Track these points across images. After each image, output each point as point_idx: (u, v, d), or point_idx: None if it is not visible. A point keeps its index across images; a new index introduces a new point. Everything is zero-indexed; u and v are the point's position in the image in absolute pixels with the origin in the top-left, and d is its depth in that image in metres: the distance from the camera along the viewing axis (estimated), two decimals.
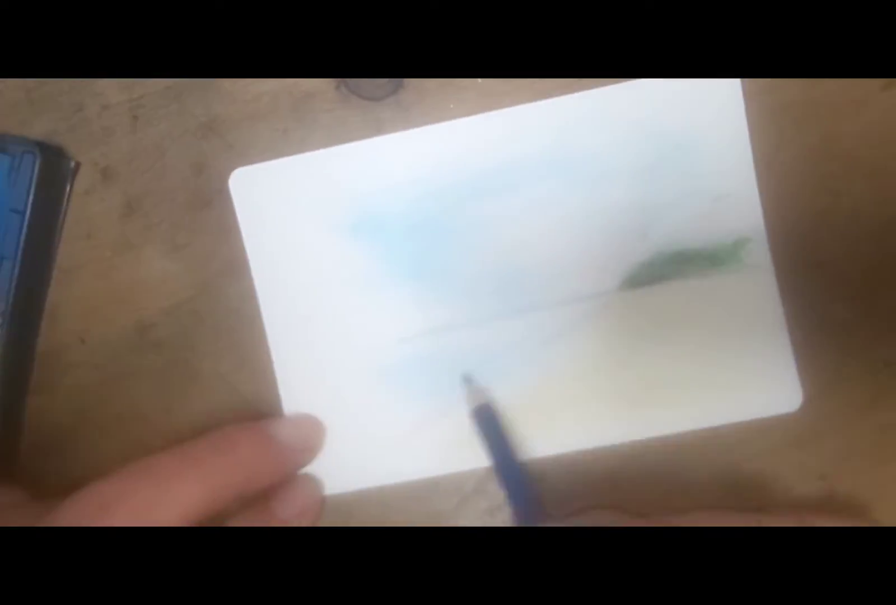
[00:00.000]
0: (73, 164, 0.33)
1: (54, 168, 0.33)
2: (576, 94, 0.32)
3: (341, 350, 0.33)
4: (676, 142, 0.32)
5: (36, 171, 0.32)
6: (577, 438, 0.32)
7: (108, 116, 0.33)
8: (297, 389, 0.33)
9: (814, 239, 0.32)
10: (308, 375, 0.33)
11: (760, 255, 0.32)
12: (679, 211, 0.32)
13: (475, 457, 0.32)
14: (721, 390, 0.32)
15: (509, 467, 0.32)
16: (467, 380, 0.32)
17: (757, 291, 0.32)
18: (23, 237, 0.32)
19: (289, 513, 0.31)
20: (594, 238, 0.32)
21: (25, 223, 0.32)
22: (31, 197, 0.32)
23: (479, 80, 0.32)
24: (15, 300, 0.32)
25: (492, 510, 0.33)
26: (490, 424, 0.32)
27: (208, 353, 0.34)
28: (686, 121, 0.32)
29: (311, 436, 0.32)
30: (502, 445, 0.32)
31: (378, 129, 0.33)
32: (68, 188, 0.34)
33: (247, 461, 0.30)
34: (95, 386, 0.34)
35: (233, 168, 0.33)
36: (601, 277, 0.32)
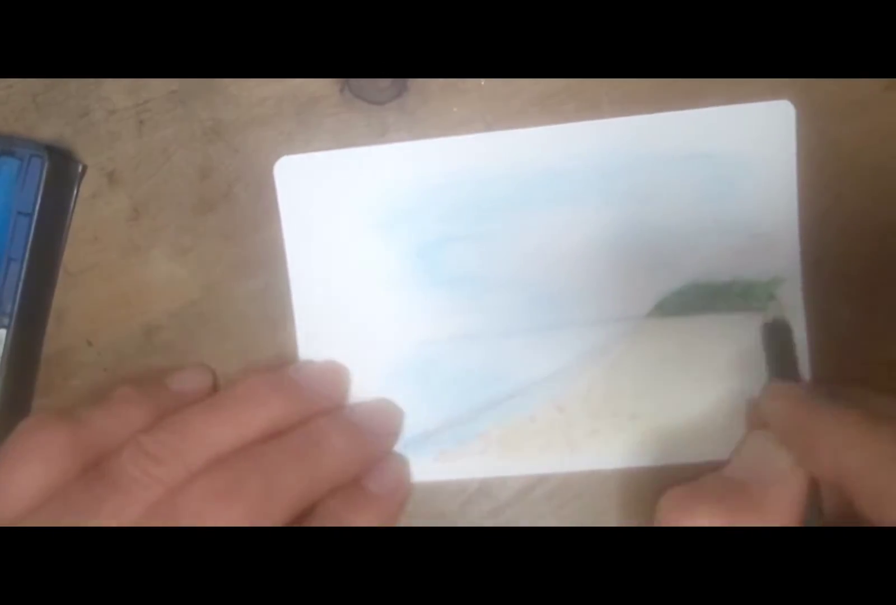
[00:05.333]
0: (80, 167, 0.34)
1: (62, 171, 0.33)
2: (628, 118, 0.32)
3: (365, 345, 0.33)
4: (722, 173, 0.32)
5: (44, 174, 0.32)
6: (592, 458, 0.32)
7: (115, 121, 0.34)
8: None
9: (814, 238, 0.32)
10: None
11: (793, 296, 0.32)
12: (717, 242, 0.32)
13: (481, 466, 0.33)
14: (737, 426, 0.31)
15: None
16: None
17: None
18: (30, 240, 0.32)
19: (384, 489, 0.31)
20: (629, 262, 0.32)
21: (33, 226, 0.32)
22: (38, 200, 0.32)
23: (483, 82, 0.33)
24: (22, 302, 0.33)
25: (495, 512, 0.33)
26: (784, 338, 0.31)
27: (214, 355, 0.34)
28: (734, 150, 0.32)
29: (391, 419, 0.32)
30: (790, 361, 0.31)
31: (382, 132, 0.33)
32: (76, 191, 0.34)
33: (341, 452, 0.30)
34: (103, 388, 0.34)
35: (238, 172, 0.33)
36: (632, 302, 0.32)
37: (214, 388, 0.33)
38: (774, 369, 0.31)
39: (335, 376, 0.33)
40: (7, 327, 0.32)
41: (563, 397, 0.32)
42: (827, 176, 0.32)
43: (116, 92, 0.34)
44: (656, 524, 0.28)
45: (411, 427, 0.33)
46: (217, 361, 0.34)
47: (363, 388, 0.33)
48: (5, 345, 0.32)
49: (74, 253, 0.34)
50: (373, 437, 0.32)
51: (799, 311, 0.32)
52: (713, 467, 0.29)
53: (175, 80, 0.33)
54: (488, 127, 0.33)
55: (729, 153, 0.32)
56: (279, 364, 0.33)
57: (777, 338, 0.31)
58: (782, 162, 0.32)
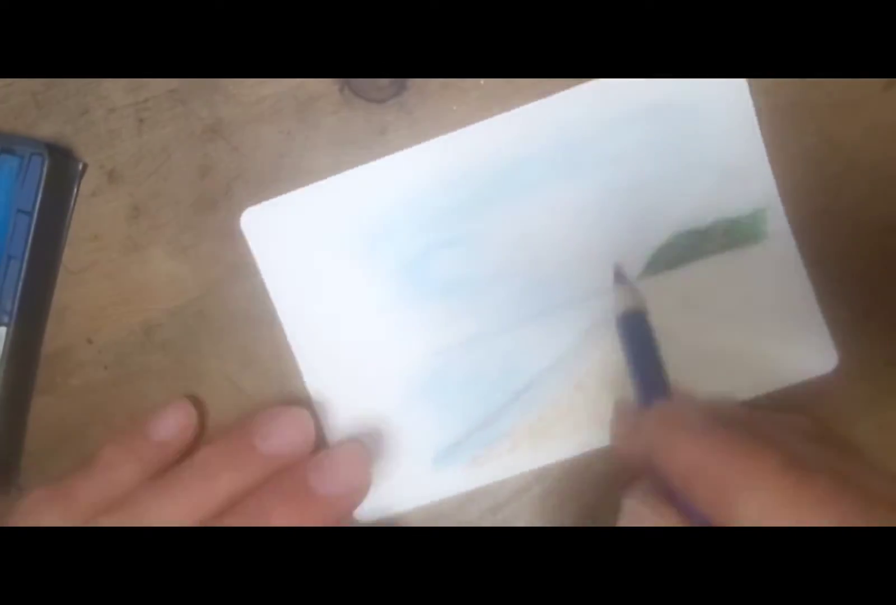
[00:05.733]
0: (80, 165, 0.34)
1: (62, 169, 0.33)
2: (574, 89, 0.32)
3: (371, 371, 0.33)
4: (681, 121, 0.32)
5: (44, 172, 0.32)
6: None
7: (115, 119, 0.34)
8: (336, 416, 0.33)
9: (812, 238, 0.32)
10: (343, 399, 0.33)
11: (779, 223, 0.32)
12: (690, 188, 0.32)
13: (515, 463, 0.33)
14: (755, 360, 0.32)
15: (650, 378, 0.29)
16: (619, 279, 0.31)
17: (780, 259, 0.32)
18: (30, 238, 0.33)
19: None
20: (611, 229, 0.32)
21: (33, 224, 0.33)
22: (38, 198, 0.33)
23: (482, 81, 0.33)
24: (22, 300, 0.33)
25: (494, 509, 0.33)
26: (638, 331, 0.29)
27: (214, 353, 0.34)
28: (692, 105, 0.32)
29: (357, 475, 0.29)
30: (647, 353, 0.29)
31: (381, 131, 0.33)
32: (76, 190, 0.34)
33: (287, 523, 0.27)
34: (102, 386, 0.34)
35: (238, 170, 0.33)
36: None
37: (200, 417, 0.33)
38: (636, 367, 0.29)
39: (305, 444, 0.30)
40: (7, 325, 0.32)
41: (579, 376, 0.32)
42: (826, 175, 0.32)
43: (116, 91, 0.34)
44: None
45: (437, 442, 0.33)
46: (216, 358, 0.34)
47: (379, 412, 0.33)
48: (5, 342, 0.32)
49: (74, 251, 0.34)
50: (334, 501, 0.28)
51: (788, 236, 0.32)
52: None
53: (175, 79, 0.33)
54: None
55: (685, 101, 0.32)
56: (276, 365, 0.33)
57: (633, 331, 0.29)
58: (738, 99, 0.32)
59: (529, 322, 0.32)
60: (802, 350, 0.32)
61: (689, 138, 0.32)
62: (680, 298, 0.32)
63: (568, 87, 0.32)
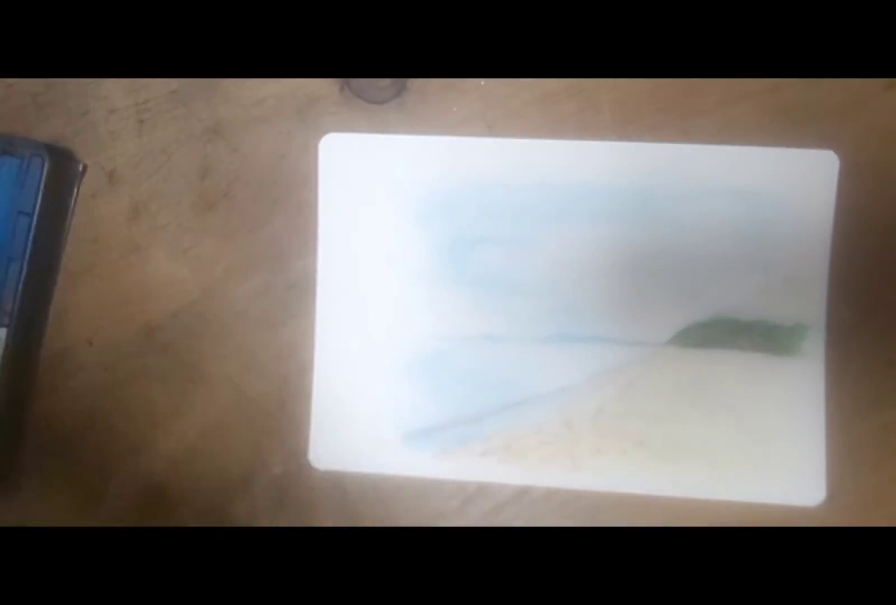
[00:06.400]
0: (80, 166, 0.34)
1: (62, 171, 0.33)
2: (674, 144, 0.32)
3: (381, 332, 0.33)
4: (762, 212, 0.32)
5: (44, 173, 0.32)
6: (593, 478, 0.32)
7: (115, 120, 0.34)
8: (331, 365, 0.33)
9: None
10: (344, 352, 0.33)
11: (815, 345, 0.31)
12: (747, 279, 0.32)
13: (479, 469, 0.32)
14: (743, 468, 0.31)
15: None
16: None
17: (804, 379, 0.32)
18: (30, 239, 0.33)
19: None
20: (655, 287, 0.32)
21: (33, 225, 0.33)
22: (39, 199, 0.33)
23: (482, 82, 0.33)
24: (22, 302, 0.33)
25: (494, 512, 0.33)
26: None
27: (214, 355, 0.34)
28: (774, 191, 0.32)
29: None
30: None
31: (382, 132, 0.33)
32: (76, 191, 0.34)
33: None
34: (103, 388, 0.34)
35: (238, 172, 0.33)
36: (653, 327, 0.32)
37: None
38: None
39: None
40: (7, 326, 0.32)
41: (571, 413, 0.32)
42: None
43: (116, 92, 0.34)
44: None
45: (414, 421, 0.33)
46: (216, 360, 0.34)
47: (374, 376, 0.33)
48: (5, 344, 0.32)
49: (75, 252, 0.34)
50: None
51: (819, 361, 0.32)
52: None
53: (175, 80, 0.33)
54: (488, 127, 0.33)
55: (769, 194, 0.32)
56: (277, 366, 0.33)
57: None
58: (820, 212, 0.31)
59: (544, 343, 0.32)
60: (791, 476, 0.32)
61: (763, 232, 0.32)
62: (695, 379, 0.32)
63: (567, 86, 0.32)
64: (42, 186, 0.33)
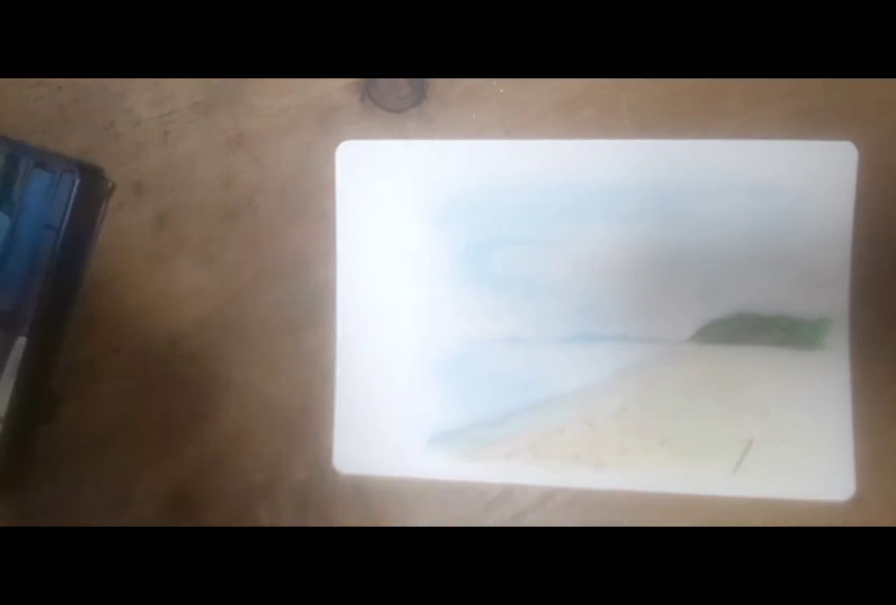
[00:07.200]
0: (109, 184, 0.34)
1: (92, 188, 0.34)
2: (690, 141, 0.32)
3: (404, 335, 0.33)
4: (784, 208, 0.31)
5: (74, 191, 0.33)
6: (617, 477, 0.32)
7: (140, 132, 0.34)
8: (353, 370, 0.33)
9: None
10: (365, 357, 0.33)
11: (840, 338, 0.31)
12: (768, 274, 0.32)
13: (504, 470, 0.32)
14: (770, 464, 0.31)
15: None
16: None
17: (830, 373, 0.31)
18: (55, 254, 0.33)
19: None
20: (677, 284, 0.32)
21: (59, 240, 0.33)
22: (66, 215, 0.33)
23: (501, 89, 0.33)
24: (41, 314, 0.33)
25: (516, 518, 0.33)
26: None
27: (238, 362, 0.34)
28: (793, 186, 0.31)
29: None
30: None
31: (402, 140, 0.33)
32: (103, 208, 0.34)
33: None
34: (129, 395, 0.34)
35: (260, 181, 0.34)
36: (675, 324, 0.32)
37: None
38: None
39: None
40: (27, 336, 0.33)
41: (594, 413, 0.32)
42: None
43: (141, 104, 0.34)
44: None
45: (438, 424, 0.33)
46: (241, 368, 0.34)
47: (396, 380, 0.33)
48: (24, 352, 0.33)
49: (101, 262, 0.35)
50: None
51: (845, 353, 0.31)
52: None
53: (199, 92, 0.34)
54: (508, 134, 0.33)
55: (788, 189, 0.31)
56: (301, 373, 0.33)
57: None
58: (841, 204, 0.31)
59: (567, 343, 0.32)
60: (818, 471, 0.31)
61: (782, 226, 0.32)
62: (717, 375, 0.32)
63: (588, 94, 0.32)
64: (71, 203, 0.33)
